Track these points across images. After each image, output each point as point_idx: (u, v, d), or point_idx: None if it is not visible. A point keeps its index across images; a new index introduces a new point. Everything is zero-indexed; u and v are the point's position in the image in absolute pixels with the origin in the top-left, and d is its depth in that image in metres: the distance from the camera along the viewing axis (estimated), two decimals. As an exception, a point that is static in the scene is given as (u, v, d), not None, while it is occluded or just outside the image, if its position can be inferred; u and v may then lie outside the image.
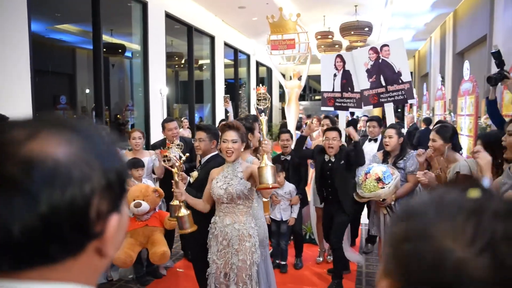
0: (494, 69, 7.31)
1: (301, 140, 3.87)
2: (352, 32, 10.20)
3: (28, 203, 0.46)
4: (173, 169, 2.80)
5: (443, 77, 11.15)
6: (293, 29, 4.58)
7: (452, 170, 2.79)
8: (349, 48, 12.45)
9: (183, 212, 2.71)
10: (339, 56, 4.58)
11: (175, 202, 2.82)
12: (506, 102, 5.10)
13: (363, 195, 3.23)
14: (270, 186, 2.36)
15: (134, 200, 3.44)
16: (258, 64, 14.56)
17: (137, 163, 3.74)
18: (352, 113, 10.23)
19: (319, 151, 3.65)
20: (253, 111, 13.76)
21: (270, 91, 16.82)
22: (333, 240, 3.56)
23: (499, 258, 0.38)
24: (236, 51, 12.54)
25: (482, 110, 6.06)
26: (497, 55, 3.44)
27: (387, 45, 4.24)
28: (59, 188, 0.47)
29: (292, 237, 4.21)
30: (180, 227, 2.72)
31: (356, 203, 3.54)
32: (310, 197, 4.28)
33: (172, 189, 2.72)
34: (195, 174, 2.98)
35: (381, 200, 3.26)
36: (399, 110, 12.53)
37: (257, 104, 2.45)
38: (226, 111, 5.57)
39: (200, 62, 12.79)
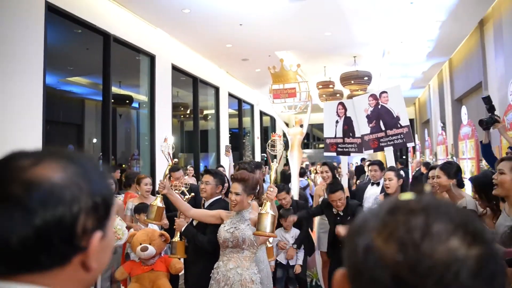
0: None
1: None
2: (352, 82, 10.55)
3: (26, 218, 0.56)
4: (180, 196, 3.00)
5: (443, 123, 11.35)
6: (294, 78, 4.81)
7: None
8: (350, 97, 12.79)
9: (177, 239, 3.08)
10: (341, 103, 4.78)
11: (176, 239, 2.96)
12: (504, 144, 5.19)
13: None
14: (267, 234, 2.39)
15: (140, 244, 3.46)
16: (262, 113, 14.91)
17: (145, 208, 3.80)
18: (363, 159, 10.31)
19: (326, 205, 3.69)
20: (257, 159, 13.85)
21: (273, 139, 17.08)
22: None
23: (401, 243, 0.47)
24: (240, 101, 12.91)
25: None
26: (487, 100, 3.60)
27: (386, 92, 4.44)
28: (52, 206, 0.57)
29: (297, 284, 4.17)
30: (171, 251, 3.10)
31: None
32: (315, 242, 4.28)
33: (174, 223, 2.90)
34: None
35: None
36: (404, 156, 12.64)
37: (271, 150, 2.54)
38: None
39: (205, 112, 13.14)
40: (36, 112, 5.23)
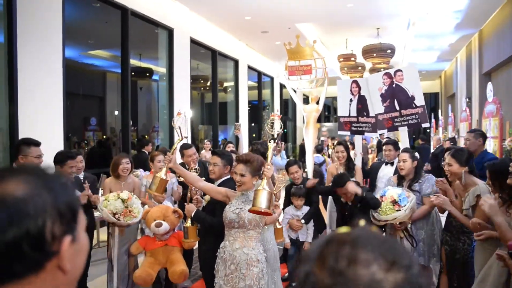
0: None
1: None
2: (375, 55, 10.24)
3: None
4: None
5: (469, 98, 10.97)
6: (310, 55, 4.70)
7: (471, 193, 2.78)
8: (373, 70, 12.47)
9: (189, 224, 3.14)
10: (355, 81, 4.66)
11: (188, 224, 3.02)
12: None
13: (380, 218, 3.22)
14: (262, 210, 2.38)
15: (155, 220, 3.56)
16: (282, 86, 14.76)
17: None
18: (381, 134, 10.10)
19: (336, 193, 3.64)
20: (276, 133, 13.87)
21: (294, 112, 16.94)
22: None
23: (331, 270, 0.55)
24: (259, 74, 12.79)
25: (507, 133, 5.96)
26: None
27: (401, 71, 4.29)
28: (19, 221, 0.60)
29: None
30: (184, 236, 3.16)
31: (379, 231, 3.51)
32: (326, 220, 4.29)
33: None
34: (207, 197, 3.09)
35: (397, 223, 3.25)
36: (428, 130, 12.32)
37: (268, 130, 2.53)
38: (237, 138, 5.78)
39: (225, 84, 13.09)
40: (56, 85, 5.34)
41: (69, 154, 3.64)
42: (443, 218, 3.42)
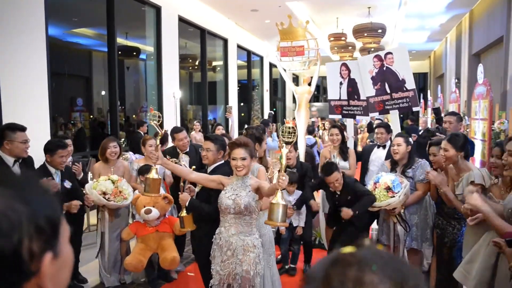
0: (511, 72, 7.18)
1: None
2: (366, 34, 10.14)
3: None
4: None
5: (458, 79, 11.00)
6: (303, 36, 4.60)
7: (465, 179, 2.78)
8: (363, 50, 12.39)
9: (184, 213, 3.02)
10: (344, 64, 4.60)
11: (183, 213, 2.98)
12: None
13: (374, 205, 3.23)
14: (278, 224, 2.38)
15: (144, 207, 3.52)
16: (271, 65, 14.60)
17: (149, 170, 3.81)
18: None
19: (324, 184, 3.57)
20: (266, 115, 13.71)
21: (283, 91, 16.83)
22: None
23: None
24: (249, 53, 12.60)
25: (496, 115, 5.99)
26: (437, 111, 3.45)
27: (391, 53, 4.24)
28: None
29: (301, 243, 4.25)
30: (180, 225, 3.06)
31: (368, 217, 3.52)
32: (319, 203, 4.29)
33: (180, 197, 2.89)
34: (201, 184, 3.04)
35: (391, 209, 3.26)
36: (413, 113, 12.37)
37: (283, 137, 2.45)
38: (227, 120, 5.71)
39: (214, 63, 12.88)
40: (40, 65, 5.16)
41: (60, 143, 3.53)
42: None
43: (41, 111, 5.13)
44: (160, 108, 8.13)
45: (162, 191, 3.91)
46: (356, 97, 4.49)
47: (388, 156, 4.06)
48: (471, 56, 10.41)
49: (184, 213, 2.99)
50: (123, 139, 8.48)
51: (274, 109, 15.88)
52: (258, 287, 2.59)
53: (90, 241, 4.52)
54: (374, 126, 4.57)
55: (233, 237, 2.59)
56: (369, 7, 9.87)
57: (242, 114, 13.33)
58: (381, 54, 4.25)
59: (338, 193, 3.45)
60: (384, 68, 4.20)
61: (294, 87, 5.11)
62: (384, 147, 4.17)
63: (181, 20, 8.60)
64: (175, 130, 4.23)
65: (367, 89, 4.36)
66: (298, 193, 3.99)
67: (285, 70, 5.18)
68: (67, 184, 3.55)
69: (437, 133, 3.58)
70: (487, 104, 5.93)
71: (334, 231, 3.72)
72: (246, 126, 4.39)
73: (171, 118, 8.35)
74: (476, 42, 10.06)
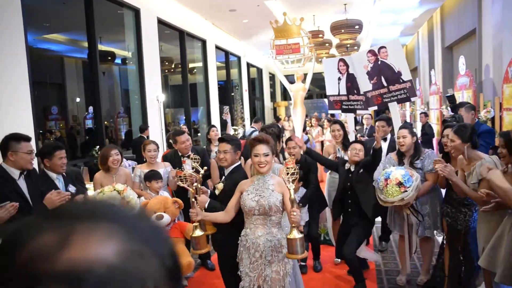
0: (486, 62, 7.45)
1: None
2: (343, 31, 10.28)
3: None
4: (190, 189, 2.89)
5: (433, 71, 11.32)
6: (297, 33, 4.61)
7: (477, 167, 2.85)
8: (339, 46, 12.57)
9: (198, 233, 2.86)
10: (342, 60, 4.64)
11: (194, 222, 2.93)
12: (506, 123, 5.21)
13: (387, 200, 3.25)
14: (299, 256, 2.46)
15: (155, 213, 3.42)
16: (249, 65, 14.57)
17: (156, 175, 3.73)
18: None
19: (342, 163, 3.67)
20: (246, 114, 13.64)
21: (261, 90, 16.86)
22: (346, 252, 3.49)
23: None
24: (227, 53, 12.53)
25: (481, 104, 6.21)
26: (452, 99, 3.57)
27: (385, 47, 4.31)
28: None
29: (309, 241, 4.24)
30: (194, 247, 2.93)
31: (378, 210, 3.56)
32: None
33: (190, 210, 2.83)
34: (220, 185, 2.99)
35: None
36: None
37: (287, 177, 2.50)
38: (225, 121, 5.64)
39: (191, 65, 12.75)
40: (21, 72, 4.95)
41: (56, 145, 3.37)
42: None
43: (25, 123, 4.92)
44: (144, 112, 7.96)
45: (168, 195, 3.84)
46: (355, 91, 4.53)
47: (391, 148, 4.14)
48: (444, 49, 10.75)
49: (196, 232, 2.88)
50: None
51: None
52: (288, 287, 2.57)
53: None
54: (376, 119, 4.61)
55: (260, 239, 2.56)
56: (345, 4, 10.02)
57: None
58: (375, 49, 4.32)
59: (352, 169, 3.51)
60: (379, 62, 4.26)
61: (289, 85, 5.11)
62: (385, 140, 4.24)
63: (160, 22, 8.45)
64: (176, 133, 4.15)
65: (363, 84, 4.41)
66: (303, 191, 3.99)
67: (284, 67, 5.17)
68: (72, 189, 3.39)
69: (454, 122, 3.66)
70: (471, 94, 6.16)
71: (341, 225, 3.76)
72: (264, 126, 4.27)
73: (156, 122, 8.19)
74: (448, 35, 10.39)
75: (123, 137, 11.98)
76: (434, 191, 3.46)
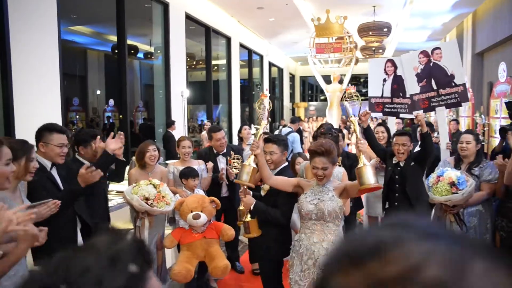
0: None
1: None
2: (371, 33, 10.09)
3: None
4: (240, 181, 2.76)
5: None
6: (339, 32, 4.45)
7: None
8: (364, 49, 12.33)
9: (249, 218, 2.82)
10: (390, 60, 4.46)
11: (247, 218, 2.79)
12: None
13: (433, 198, 3.06)
14: (372, 186, 2.24)
15: (191, 212, 3.29)
16: (271, 64, 14.42)
17: (193, 172, 3.59)
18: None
19: (390, 155, 3.46)
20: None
21: (281, 90, 16.69)
22: None
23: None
24: (250, 52, 12.40)
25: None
26: (510, 106, 3.36)
27: (439, 48, 4.12)
28: None
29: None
30: (245, 231, 2.87)
31: (430, 208, 3.36)
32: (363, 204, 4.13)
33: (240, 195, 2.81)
34: (266, 187, 2.84)
35: (451, 206, 3.11)
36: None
37: (347, 100, 2.35)
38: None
39: (214, 62, 12.66)
40: (52, 64, 4.93)
41: (94, 133, 3.23)
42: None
43: (53, 112, 4.87)
44: (168, 108, 7.87)
45: (203, 193, 3.71)
46: (401, 94, 4.35)
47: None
48: (474, 55, 10.46)
49: (248, 217, 2.78)
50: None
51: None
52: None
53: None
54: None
55: (315, 246, 2.40)
56: (374, 6, 9.81)
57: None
58: (428, 50, 4.13)
59: (402, 164, 3.31)
60: (431, 64, 4.07)
61: (325, 85, 4.95)
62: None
63: (188, 17, 8.35)
64: (212, 130, 4.01)
65: (410, 87, 4.23)
66: None
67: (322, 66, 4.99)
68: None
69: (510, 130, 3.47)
70: (511, 102, 5.91)
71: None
72: (279, 126, 4.14)
73: (180, 118, 8.10)
74: (479, 41, 10.10)
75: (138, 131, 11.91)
76: (486, 206, 3.25)
